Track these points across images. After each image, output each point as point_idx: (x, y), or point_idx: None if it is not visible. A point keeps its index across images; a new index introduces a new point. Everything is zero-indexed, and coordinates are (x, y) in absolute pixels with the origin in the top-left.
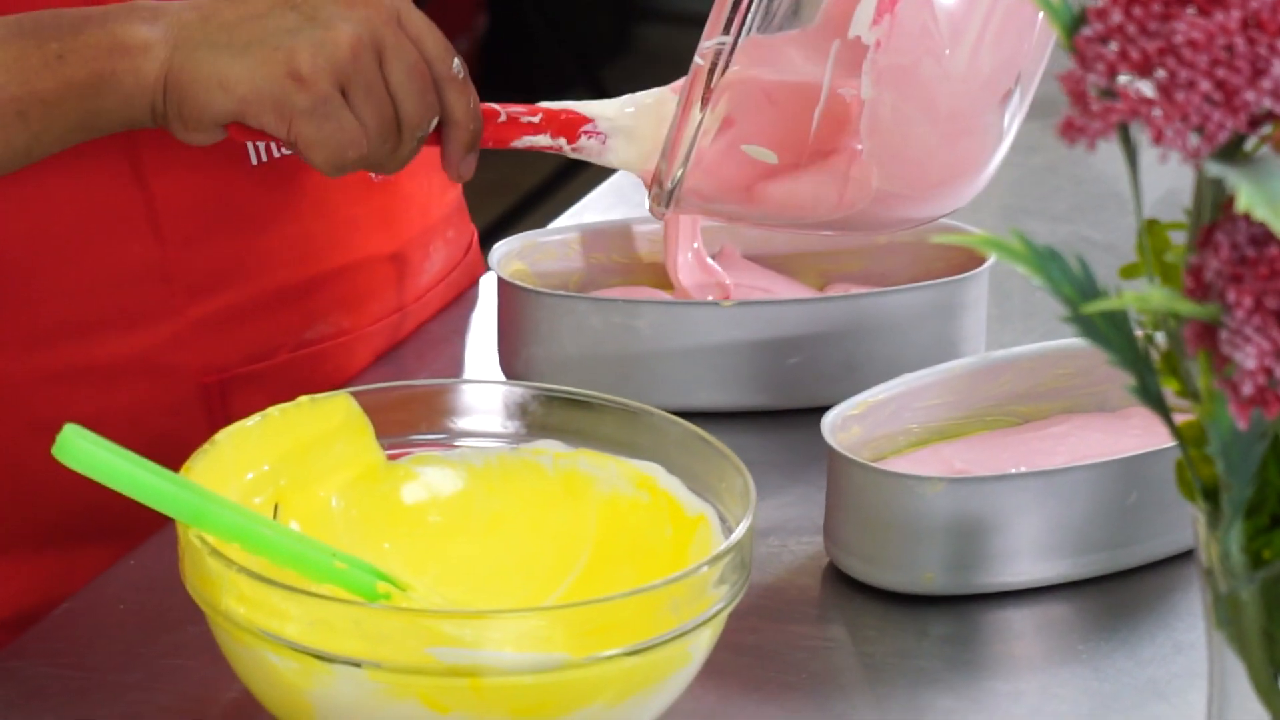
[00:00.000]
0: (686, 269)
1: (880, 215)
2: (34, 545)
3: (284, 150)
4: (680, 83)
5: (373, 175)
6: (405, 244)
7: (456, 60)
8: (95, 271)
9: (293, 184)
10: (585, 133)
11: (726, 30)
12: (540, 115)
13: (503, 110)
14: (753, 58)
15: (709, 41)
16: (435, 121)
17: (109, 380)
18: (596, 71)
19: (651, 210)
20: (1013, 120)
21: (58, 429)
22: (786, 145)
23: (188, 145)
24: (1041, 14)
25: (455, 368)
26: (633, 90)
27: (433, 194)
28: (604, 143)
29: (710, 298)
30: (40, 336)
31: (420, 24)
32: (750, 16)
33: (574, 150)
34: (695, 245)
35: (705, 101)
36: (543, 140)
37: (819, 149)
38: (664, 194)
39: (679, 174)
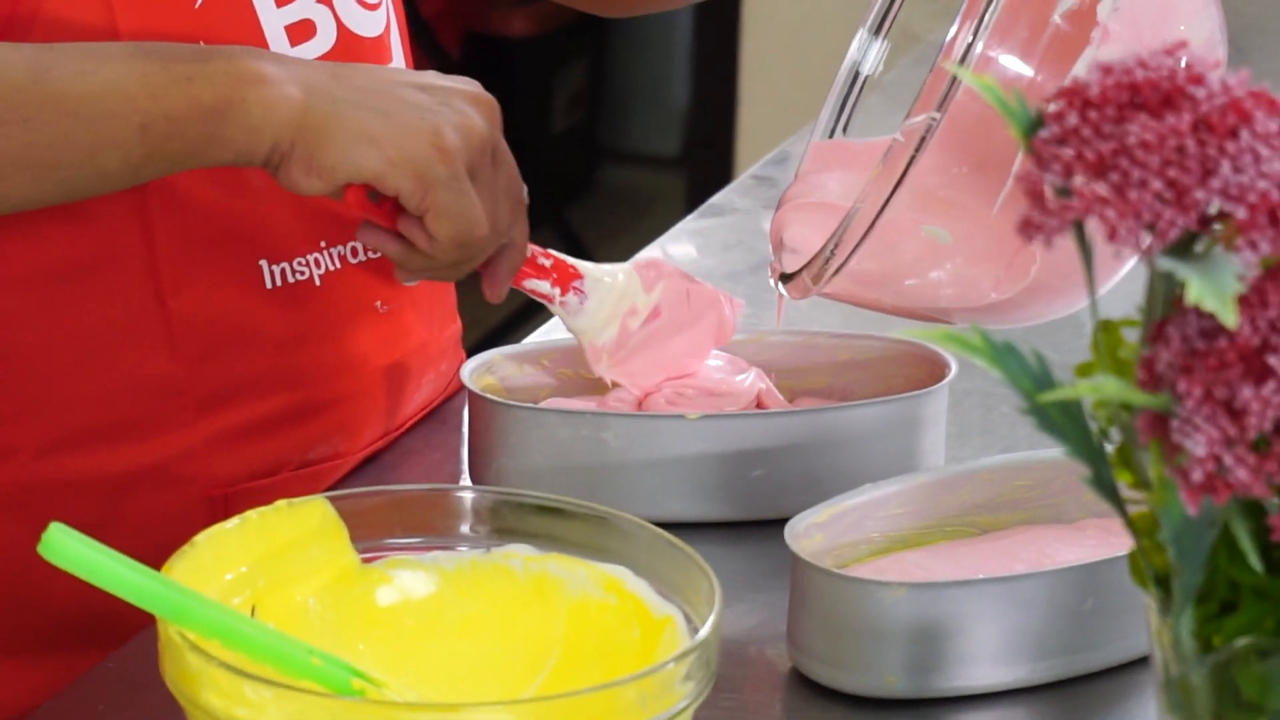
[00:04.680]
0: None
1: (1021, 306)
2: (39, 648)
3: (298, 275)
4: (639, 258)
5: (378, 304)
6: (404, 374)
7: (524, 189)
8: (111, 382)
9: (305, 309)
10: (574, 288)
11: (940, 107)
12: (552, 260)
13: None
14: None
15: (917, 118)
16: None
17: (119, 489)
18: (562, 209)
19: (796, 287)
20: None
21: None
22: (962, 227)
23: (207, 266)
24: None
25: (429, 477)
26: (597, 229)
27: (433, 328)
28: (582, 303)
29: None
30: (55, 443)
31: (506, 147)
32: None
33: (560, 304)
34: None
35: (902, 179)
36: (544, 287)
37: (993, 233)
38: (826, 272)
39: (852, 253)
